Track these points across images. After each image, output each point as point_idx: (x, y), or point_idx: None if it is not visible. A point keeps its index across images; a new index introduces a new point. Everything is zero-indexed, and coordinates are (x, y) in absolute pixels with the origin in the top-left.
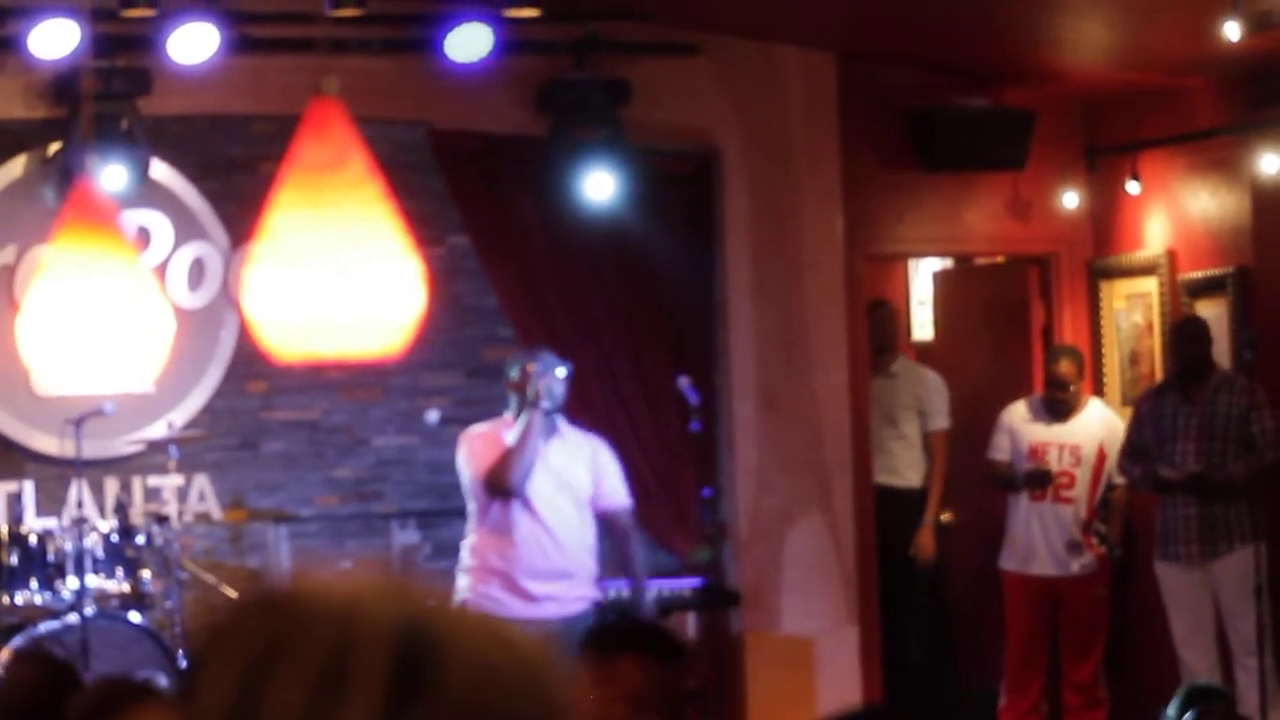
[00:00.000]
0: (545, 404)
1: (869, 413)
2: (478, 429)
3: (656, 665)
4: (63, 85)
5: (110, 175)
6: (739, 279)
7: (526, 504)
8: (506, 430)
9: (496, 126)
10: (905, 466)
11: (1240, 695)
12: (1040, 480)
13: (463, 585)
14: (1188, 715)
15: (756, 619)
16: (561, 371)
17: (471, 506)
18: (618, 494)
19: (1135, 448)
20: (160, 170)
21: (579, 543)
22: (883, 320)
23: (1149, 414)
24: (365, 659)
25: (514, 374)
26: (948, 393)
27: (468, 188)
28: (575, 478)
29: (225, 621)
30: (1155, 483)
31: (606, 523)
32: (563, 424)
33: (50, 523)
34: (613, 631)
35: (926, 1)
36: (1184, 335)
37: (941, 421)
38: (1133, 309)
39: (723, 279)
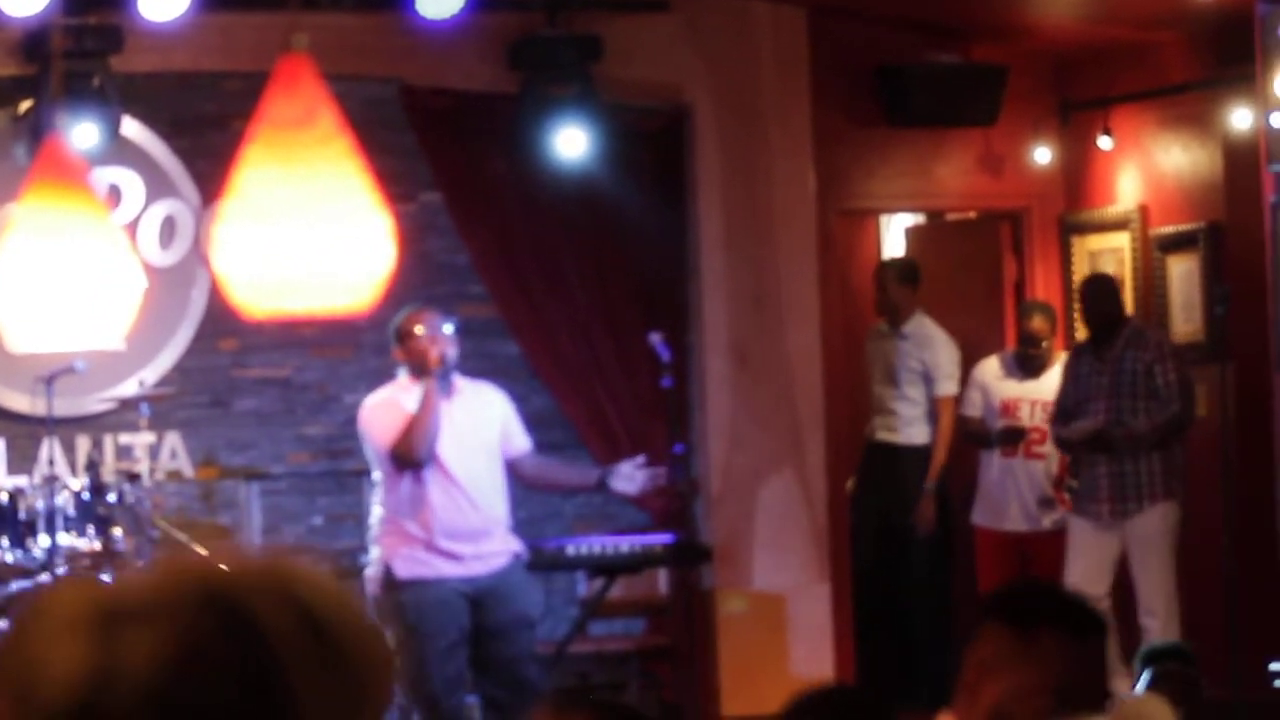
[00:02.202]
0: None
1: (871, 371)
2: (375, 398)
3: (1083, 644)
4: (33, 43)
5: (81, 133)
6: (710, 235)
7: (438, 467)
8: (404, 394)
9: (468, 83)
10: (905, 425)
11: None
12: (1013, 438)
13: (377, 555)
14: (1144, 675)
15: (728, 575)
16: (449, 328)
17: (377, 475)
18: (522, 438)
19: (1062, 409)
20: (131, 128)
21: (494, 497)
22: (883, 283)
23: (1070, 376)
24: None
25: (400, 342)
26: (958, 356)
27: (439, 145)
28: (482, 432)
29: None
30: (1058, 444)
31: (516, 467)
32: (457, 378)
33: (21, 481)
34: (1030, 601)
35: None
36: (1089, 294)
37: (948, 387)
38: (1105, 264)
39: (694, 235)
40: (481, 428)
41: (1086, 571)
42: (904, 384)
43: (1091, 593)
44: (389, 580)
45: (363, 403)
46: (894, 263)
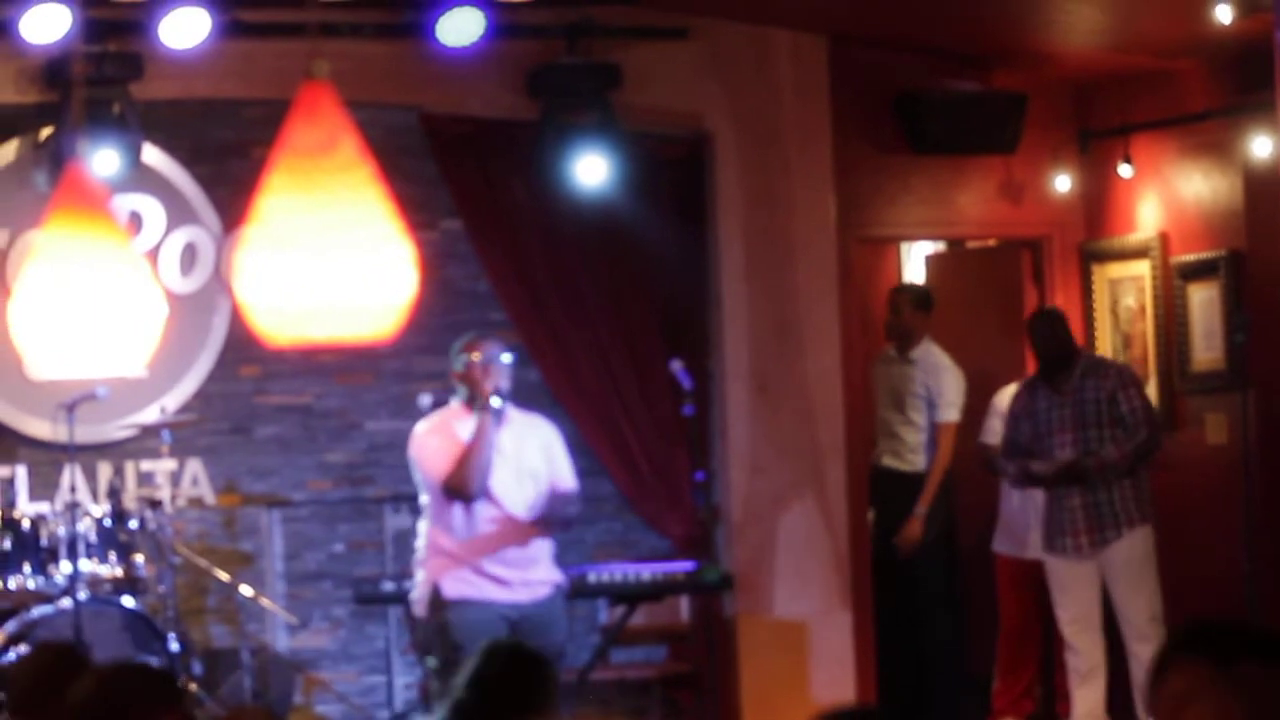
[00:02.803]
0: (495, 402)
1: (878, 396)
2: (427, 424)
3: None
4: (54, 70)
5: (102, 160)
6: (731, 263)
7: (488, 494)
8: (456, 421)
9: (488, 111)
10: (910, 451)
11: (1134, 681)
12: None
13: (422, 577)
14: None
15: (749, 602)
16: (507, 358)
17: (425, 499)
18: (567, 477)
19: (1013, 444)
20: (152, 155)
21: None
22: (898, 307)
23: (1023, 411)
24: None
25: (458, 366)
26: (964, 385)
27: (460, 172)
28: (530, 461)
29: None
30: (1029, 479)
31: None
32: (509, 408)
33: (43, 507)
34: (1225, 633)
35: None
36: (1039, 328)
37: (950, 414)
38: (1125, 292)
39: (715, 263)
40: (530, 457)
41: (1081, 607)
42: (910, 410)
43: (1094, 626)
44: (435, 600)
45: (414, 429)
46: (910, 287)
